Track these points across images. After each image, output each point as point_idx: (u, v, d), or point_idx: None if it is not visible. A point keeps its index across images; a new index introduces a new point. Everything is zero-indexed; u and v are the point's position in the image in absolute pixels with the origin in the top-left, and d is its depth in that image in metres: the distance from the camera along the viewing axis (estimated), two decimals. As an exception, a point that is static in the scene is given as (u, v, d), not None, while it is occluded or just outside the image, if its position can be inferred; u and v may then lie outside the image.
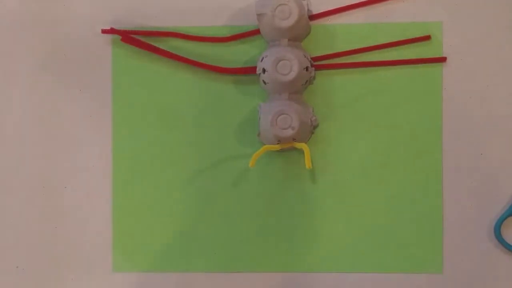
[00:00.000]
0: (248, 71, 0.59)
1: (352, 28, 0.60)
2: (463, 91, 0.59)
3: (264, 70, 0.56)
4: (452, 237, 0.59)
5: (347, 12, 0.60)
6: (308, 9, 0.57)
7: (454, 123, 0.59)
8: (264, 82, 0.57)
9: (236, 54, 0.60)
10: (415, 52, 0.59)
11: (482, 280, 0.59)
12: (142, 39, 0.60)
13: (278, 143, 0.57)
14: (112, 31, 0.60)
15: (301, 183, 0.59)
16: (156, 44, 0.60)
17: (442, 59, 0.59)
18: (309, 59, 0.58)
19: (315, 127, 0.59)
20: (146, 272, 0.60)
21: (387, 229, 0.59)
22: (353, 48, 0.59)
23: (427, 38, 0.59)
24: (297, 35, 0.57)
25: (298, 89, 0.57)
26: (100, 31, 0.60)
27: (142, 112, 0.60)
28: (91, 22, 0.60)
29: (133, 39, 0.59)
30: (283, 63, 0.56)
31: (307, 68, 0.57)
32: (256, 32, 0.59)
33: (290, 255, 0.60)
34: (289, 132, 0.56)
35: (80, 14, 0.61)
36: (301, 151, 0.57)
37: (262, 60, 0.57)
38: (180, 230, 0.60)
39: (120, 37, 0.59)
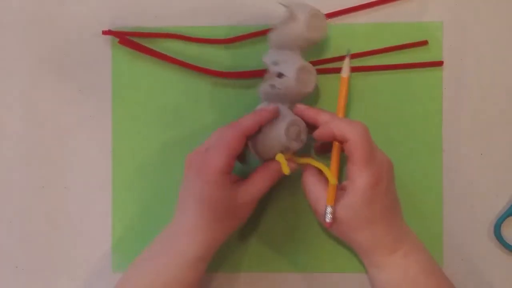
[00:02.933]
0: (246, 75, 0.59)
1: (353, 28, 0.60)
2: (463, 91, 0.59)
3: (280, 75, 0.54)
4: (452, 237, 0.59)
5: (347, 13, 0.60)
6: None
7: (454, 123, 0.59)
8: (272, 87, 0.54)
9: (235, 56, 0.60)
10: (415, 52, 0.59)
11: (483, 280, 0.59)
12: (142, 40, 0.60)
13: (281, 152, 0.53)
14: (110, 32, 0.60)
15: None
16: (156, 45, 0.60)
17: (439, 63, 0.59)
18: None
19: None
20: (146, 272, 0.60)
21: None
22: (355, 51, 0.59)
23: (424, 43, 0.59)
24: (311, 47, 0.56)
25: (299, 100, 0.56)
26: (101, 32, 0.60)
27: (142, 112, 0.60)
28: (91, 22, 0.60)
29: (130, 41, 0.59)
30: (305, 73, 0.54)
31: None
32: (256, 34, 0.59)
33: (290, 255, 0.59)
34: (299, 144, 0.54)
35: (80, 15, 0.61)
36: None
37: (277, 64, 0.54)
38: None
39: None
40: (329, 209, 0.52)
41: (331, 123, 0.52)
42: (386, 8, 0.60)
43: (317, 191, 0.53)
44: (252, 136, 0.53)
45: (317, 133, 0.53)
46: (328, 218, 0.52)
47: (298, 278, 0.59)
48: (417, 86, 0.59)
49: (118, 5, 0.60)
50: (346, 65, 0.56)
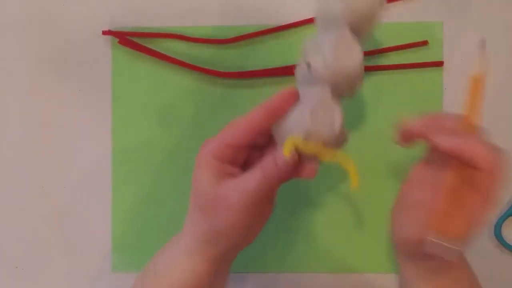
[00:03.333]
0: (246, 75, 0.59)
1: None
2: (464, 91, 0.59)
3: (317, 50, 0.46)
4: (452, 237, 0.59)
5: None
6: None
7: (454, 123, 0.59)
8: (308, 65, 0.46)
9: (235, 56, 0.60)
10: (415, 52, 0.59)
11: (482, 280, 0.59)
12: (142, 40, 0.60)
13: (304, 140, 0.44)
14: (110, 32, 0.60)
15: (301, 183, 0.59)
16: (156, 45, 0.60)
17: (439, 63, 0.59)
18: None
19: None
20: (146, 272, 0.60)
21: (388, 229, 0.59)
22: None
23: (424, 43, 0.59)
24: None
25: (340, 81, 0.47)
26: (101, 32, 0.60)
27: (142, 112, 0.60)
28: (91, 22, 0.60)
29: (130, 41, 0.59)
30: (345, 46, 0.46)
31: None
32: (256, 34, 0.59)
33: (290, 255, 0.59)
34: (329, 132, 0.46)
35: (80, 15, 0.61)
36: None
37: (316, 44, 0.47)
38: (180, 230, 0.60)
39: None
40: (435, 239, 0.43)
41: (466, 142, 0.43)
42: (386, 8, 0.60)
43: (425, 199, 0.45)
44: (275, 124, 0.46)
45: (443, 142, 0.43)
46: (430, 248, 0.43)
47: (299, 278, 0.59)
48: (417, 86, 0.59)
49: (118, 5, 0.60)
50: (481, 60, 0.43)
